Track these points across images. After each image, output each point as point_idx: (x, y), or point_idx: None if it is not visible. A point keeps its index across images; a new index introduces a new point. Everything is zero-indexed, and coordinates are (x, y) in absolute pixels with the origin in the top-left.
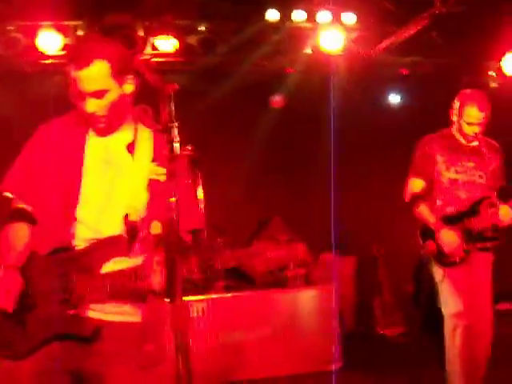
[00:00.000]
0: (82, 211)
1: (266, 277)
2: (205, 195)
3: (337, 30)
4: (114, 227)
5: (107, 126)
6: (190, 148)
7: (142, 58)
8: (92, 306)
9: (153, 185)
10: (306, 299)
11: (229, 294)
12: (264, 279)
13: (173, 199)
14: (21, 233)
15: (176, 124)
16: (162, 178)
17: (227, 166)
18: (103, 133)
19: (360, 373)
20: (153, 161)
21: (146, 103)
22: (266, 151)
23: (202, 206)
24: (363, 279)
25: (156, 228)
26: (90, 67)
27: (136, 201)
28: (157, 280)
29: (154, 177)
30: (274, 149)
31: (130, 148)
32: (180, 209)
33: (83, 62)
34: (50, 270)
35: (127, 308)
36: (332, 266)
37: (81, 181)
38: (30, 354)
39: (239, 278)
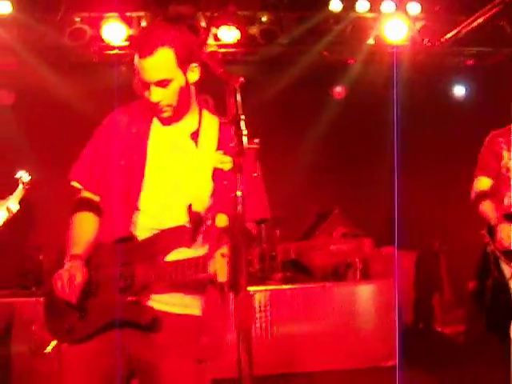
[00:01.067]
0: (144, 201)
1: (325, 270)
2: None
3: (401, 19)
4: (178, 217)
5: (172, 114)
6: (257, 141)
7: (208, 50)
8: (152, 296)
9: (217, 174)
10: (365, 293)
11: (287, 286)
12: (323, 272)
13: (239, 193)
14: (88, 223)
15: (243, 117)
16: (227, 167)
17: (287, 156)
18: (168, 122)
19: (418, 370)
20: (217, 149)
21: (206, 93)
22: (327, 142)
23: None
24: (423, 275)
25: (222, 221)
26: (154, 56)
27: (200, 190)
28: (221, 272)
29: (219, 166)
30: (335, 140)
31: (194, 136)
32: (246, 200)
33: (147, 50)
34: (113, 259)
35: (187, 300)
36: (393, 261)
37: (144, 170)
38: (89, 340)
39: (297, 270)
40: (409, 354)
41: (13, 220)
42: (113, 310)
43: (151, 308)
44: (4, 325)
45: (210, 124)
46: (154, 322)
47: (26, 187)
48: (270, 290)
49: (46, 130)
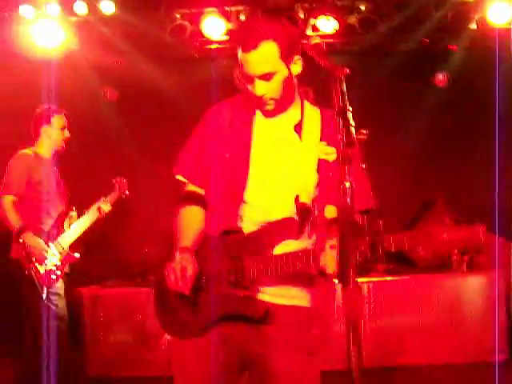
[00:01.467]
0: (250, 193)
1: (430, 261)
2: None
3: (505, 2)
4: (284, 209)
5: (276, 107)
6: (365, 132)
7: (312, 41)
8: (262, 288)
9: (322, 165)
10: (471, 285)
11: (390, 278)
12: (427, 263)
13: (348, 184)
14: (195, 216)
15: (350, 108)
16: (331, 158)
17: (390, 145)
18: (271, 114)
19: None
20: (321, 140)
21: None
22: (429, 131)
23: None
24: None
25: (331, 212)
26: (257, 49)
27: (306, 182)
28: (330, 264)
29: (324, 157)
30: (438, 128)
31: (298, 128)
32: (354, 191)
33: (251, 44)
34: (222, 252)
35: (296, 292)
36: (497, 252)
37: (249, 163)
38: (202, 334)
39: (400, 261)
40: None
41: (115, 214)
42: (224, 304)
43: (263, 301)
44: (113, 313)
45: (312, 115)
46: (266, 316)
47: (123, 193)
48: (373, 282)
49: (149, 125)
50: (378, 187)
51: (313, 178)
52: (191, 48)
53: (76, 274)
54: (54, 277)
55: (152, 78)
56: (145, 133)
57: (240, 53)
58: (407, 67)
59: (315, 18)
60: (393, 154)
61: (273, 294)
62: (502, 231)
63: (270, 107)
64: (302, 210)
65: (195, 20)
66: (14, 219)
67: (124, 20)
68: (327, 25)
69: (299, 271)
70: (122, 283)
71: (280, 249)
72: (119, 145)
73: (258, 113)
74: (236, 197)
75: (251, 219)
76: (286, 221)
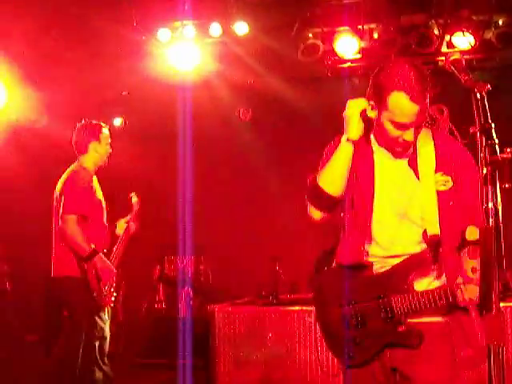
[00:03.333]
0: (376, 230)
1: None
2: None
3: None
4: (410, 245)
5: (404, 149)
6: (510, 150)
7: (452, 57)
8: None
9: (442, 195)
10: None
11: None
12: None
13: (490, 205)
14: None
15: (493, 124)
16: (448, 186)
17: None
18: (399, 155)
19: None
20: (436, 171)
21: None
22: None
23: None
24: None
25: (473, 234)
26: (425, 101)
27: (429, 215)
28: (471, 297)
29: (441, 188)
30: None
31: (412, 163)
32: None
33: (421, 96)
34: (364, 291)
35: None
36: None
37: (373, 200)
38: (366, 364)
39: None
40: None
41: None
42: (383, 338)
43: (416, 328)
44: (243, 330)
45: (425, 143)
46: (421, 341)
47: (135, 208)
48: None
49: (282, 143)
50: None
51: (434, 210)
52: (324, 67)
53: (211, 292)
54: (113, 298)
55: (285, 97)
56: (278, 151)
57: (401, 98)
58: None
59: (451, 34)
60: None
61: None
62: None
63: (400, 149)
64: (433, 242)
65: (328, 39)
66: (82, 240)
67: (257, 40)
68: (463, 41)
69: (439, 305)
70: (254, 301)
71: (420, 285)
72: (253, 162)
73: (380, 149)
74: (362, 233)
75: (376, 255)
76: (418, 256)
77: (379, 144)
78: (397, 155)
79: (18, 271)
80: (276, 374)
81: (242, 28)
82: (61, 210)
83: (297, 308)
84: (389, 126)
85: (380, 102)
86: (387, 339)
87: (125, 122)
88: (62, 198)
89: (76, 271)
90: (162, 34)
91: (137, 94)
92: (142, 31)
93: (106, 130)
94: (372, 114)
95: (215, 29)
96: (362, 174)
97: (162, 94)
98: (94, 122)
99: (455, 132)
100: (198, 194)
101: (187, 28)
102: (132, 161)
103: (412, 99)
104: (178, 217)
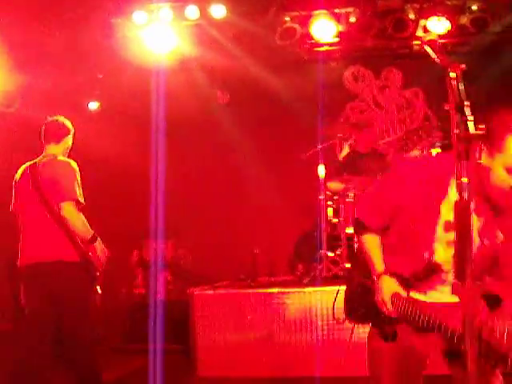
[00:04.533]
0: (438, 254)
1: None
2: None
3: None
4: None
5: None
6: (483, 127)
7: (427, 38)
8: None
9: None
10: None
11: None
12: None
13: (465, 180)
14: (377, 242)
15: (467, 103)
16: None
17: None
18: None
19: None
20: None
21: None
22: None
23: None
24: None
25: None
26: None
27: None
28: None
29: None
30: None
31: None
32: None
33: None
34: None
35: None
36: None
37: (436, 227)
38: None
39: None
40: None
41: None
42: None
43: None
44: (222, 313)
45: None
46: None
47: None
48: None
49: (259, 126)
50: None
51: None
52: (301, 50)
53: (190, 275)
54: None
55: (262, 80)
56: (255, 134)
57: None
58: None
59: (426, 18)
60: None
61: None
62: None
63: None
64: None
65: (305, 23)
66: (85, 224)
67: (234, 23)
68: (438, 25)
69: None
70: (233, 284)
71: None
72: (230, 145)
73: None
74: (420, 259)
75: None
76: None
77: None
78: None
79: None
80: (255, 356)
81: (219, 11)
82: (58, 197)
83: (275, 290)
84: (500, 171)
85: (493, 146)
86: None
87: (101, 106)
88: (58, 185)
89: (73, 256)
90: (138, 16)
91: (113, 77)
92: (118, 13)
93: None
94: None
95: (192, 11)
96: (428, 200)
97: (138, 77)
98: (63, 117)
99: (430, 114)
100: (175, 178)
101: (163, 10)
102: (108, 144)
103: None
104: (153, 201)
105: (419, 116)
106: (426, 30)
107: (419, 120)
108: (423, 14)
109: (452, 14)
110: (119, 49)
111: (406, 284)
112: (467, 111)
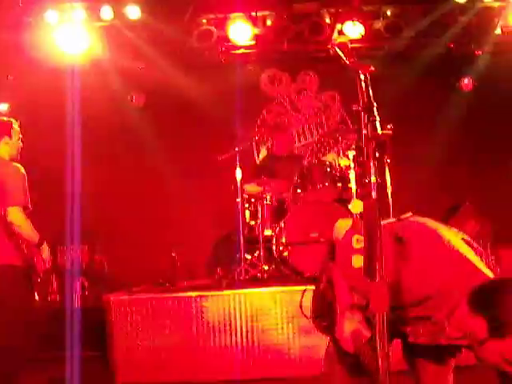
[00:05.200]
0: None
1: None
2: (392, 180)
3: None
4: None
5: None
6: (390, 127)
7: (338, 41)
8: None
9: None
10: None
11: None
12: None
13: (374, 179)
14: None
15: (375, 104)
16: None
17: (415, 150)
18: None
19: None
20: None
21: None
22: (455, 135)
23: (389, 191)
24: None
25: (355, 207)
26: None
27: None
28: None
29: None
30: (464, 132)
31: None
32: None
33: None
34: None
35: None
36: None
37: None
38: None
39: None
40: None
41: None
42: None
43: None
44: (140, 318)
45: None
46: None
47: None
48: None
49: (174, 129)
50: (405, 191)
51: None
52: (217, 53)
53: (107, 281)
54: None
55: (178, 83)
56: (170, 138)
57: None
58: (433, 71)
59: (341, 23)
60: (420, 157)
61: None
62: None
63: None
64: None
65: (221, 25)
66: (32, 228)
67: (150, 25)
68: (353, 29)
69: None
70: (150, 288)
71: None
72: (146, 150)
73: None
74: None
75: None
76: None
77: None
78: None
79: None
80: (175, 361)
81: (133, 12)
82: (5, 202)
83: (193, 294)
84: None
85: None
86: None
87: (11, 107)
88: (3, 189)
89: (17, 259)
90: (50, 15)
91: (24, 78)
92: (29, 12)
93: (16, 126)
94: None
95: (106, 12)
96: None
97: (50, 77)
98: (5, 118)
99: (346, 117)
100: (90, 182)
101: (77, 10)
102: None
103: None
104: (68, 205)
105: (336, 119)
106: (341, 34)
107: (335, 123)
108: (339, 18)
109: (367, 18)
110: (31, 49)
111: None
112: (375, 111)
